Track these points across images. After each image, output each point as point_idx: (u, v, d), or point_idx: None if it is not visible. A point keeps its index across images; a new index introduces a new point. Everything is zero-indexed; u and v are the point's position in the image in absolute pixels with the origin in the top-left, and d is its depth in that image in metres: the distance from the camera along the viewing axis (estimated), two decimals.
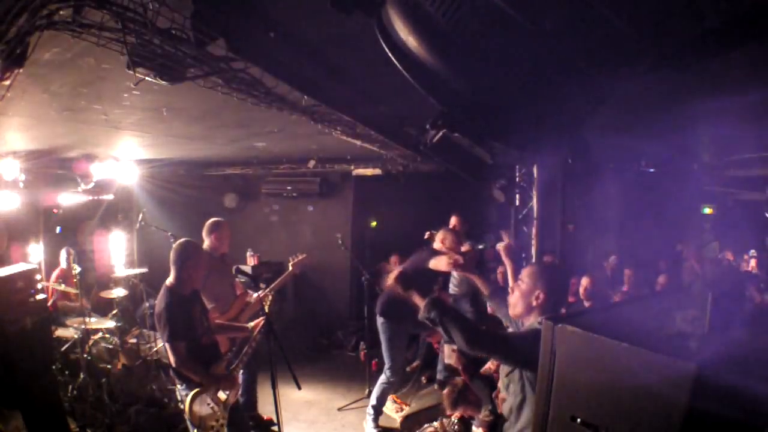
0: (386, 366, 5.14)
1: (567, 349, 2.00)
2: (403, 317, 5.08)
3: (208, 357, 3.75)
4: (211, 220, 4.89)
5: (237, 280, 5.02)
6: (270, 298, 4.63)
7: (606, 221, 8.13)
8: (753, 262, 6.68)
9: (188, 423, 3.62)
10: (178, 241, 3.85)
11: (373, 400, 5.21)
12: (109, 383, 5.27)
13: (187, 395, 3.61)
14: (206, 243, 4.79)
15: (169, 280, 3.71)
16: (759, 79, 2.90)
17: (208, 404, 3.61)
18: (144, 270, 6.49)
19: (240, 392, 4.38)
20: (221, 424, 3.67)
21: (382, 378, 5.17)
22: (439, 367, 5.98)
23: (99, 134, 4.95)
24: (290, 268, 4.98)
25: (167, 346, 3.54)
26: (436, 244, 4.96)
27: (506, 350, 2.58)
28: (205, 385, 3.63)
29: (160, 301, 3.65)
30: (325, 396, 6.25)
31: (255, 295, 4.80)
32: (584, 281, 5.65)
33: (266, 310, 4.40)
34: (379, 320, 5.09)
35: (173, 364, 3.58)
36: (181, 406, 3.72)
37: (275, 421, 3.77)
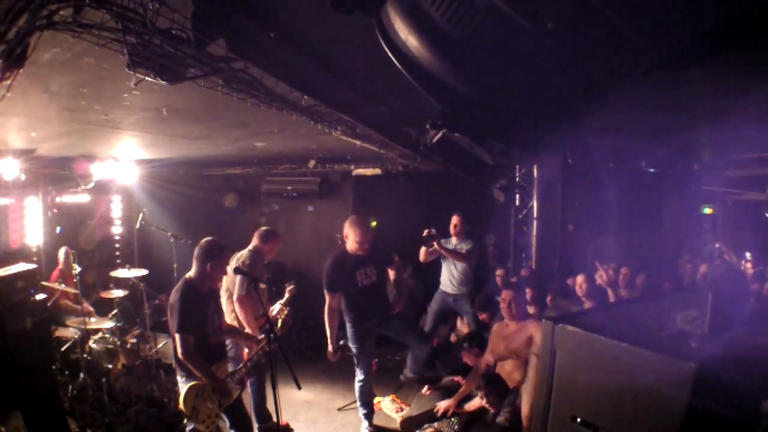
0: (356, 364, 5.13)
1: (567, 349, 2.00)
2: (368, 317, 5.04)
3: (213, 356, 3.78)
4: (268, 229, 5.03)
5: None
6: (286, 312, 4.61)
7: (606, 221, 8.12)
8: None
9: (183, 414, 3.66)
10: (204, 239, 3.91)
11: (358, 402, 5.21)
12: (109, 383, 5.27)
13: (184, 387, 3.66)
14: (256, 247, 4.91)
15: (190, 273, 3.77)
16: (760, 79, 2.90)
17: (204, 399, 3.64)
18: (144, 272, 6.49)
19: (252, 403, 4.45)
20: (213, 421, 3.69)
21: (356, 380, 5.15)
22: (409, 364, 5.78)
23: (99, 134, 4.95)
24: (287, 294, 4.97)
25: (176, 336, 3.58)
26: None
27: None
28: (205, 381, 3.66)
29: (175, 292, 3.71)
30: (325, 396, 6.25)
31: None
32: (579, 279, 5.65)
33: (279, 324, 4.42)
34: (350, 330, 5.09)
35: (179, 355, 3.61)
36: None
37: (291, 427, 3.73)
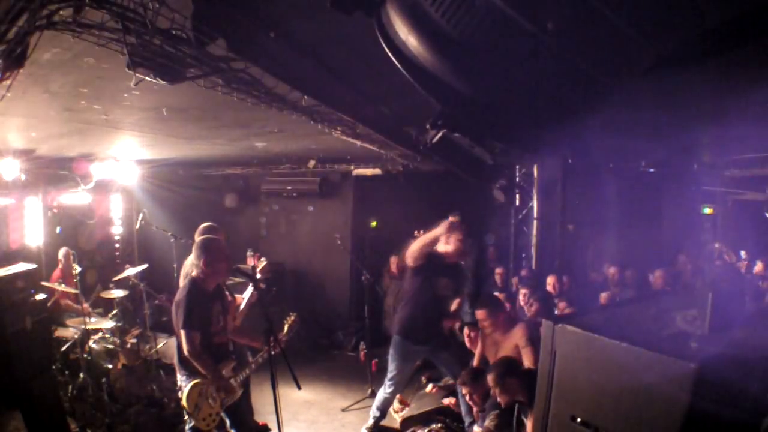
0: (388, 376, 5.02)
1: (567, 349, 2.00)
2: (420, 341, 4.82)
3: (217, 356, 3.78)
4: (206, 224, 4.69)
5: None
6: (292, 318, 4.57)
7: (606, 221, 8.13)
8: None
9: (184, 412, 3.67)
10: (198, 239, 3.91)
11: (375, 407, 5.18)
12: (109, 383, 5.27)
13: (186, 384, 3.66)
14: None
15: (195, 272, 3.79)
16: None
17: (206, 397, 3.65)
18: (144, 266, 6.50)
19: None
20: (214, 419, 3.71)
21: (383, 388, 5.08)
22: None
23: (99, 134, 4.95)
24: (258, 275, 4.90)
25: (182, 333, 3.59)
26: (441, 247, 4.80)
27: None
28: (208, 380, 3.67)
29: (182, 290, 3.74)
30: (325, 396, 6.25)
31: (249, 292, 4.76)
32: (550, 280, 5.68)
33: (285, 330, 4.37)
34: (395, 338, 4.92)
35: (184, 352, 3.62)
36: (179, 395, 3.75)
37: (269, 427, 3.73)
